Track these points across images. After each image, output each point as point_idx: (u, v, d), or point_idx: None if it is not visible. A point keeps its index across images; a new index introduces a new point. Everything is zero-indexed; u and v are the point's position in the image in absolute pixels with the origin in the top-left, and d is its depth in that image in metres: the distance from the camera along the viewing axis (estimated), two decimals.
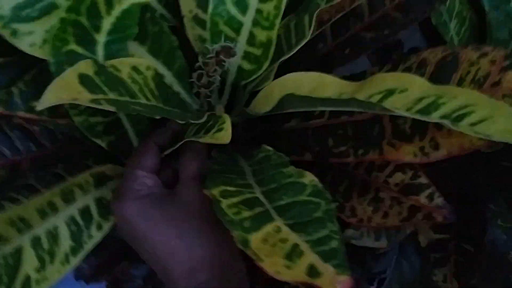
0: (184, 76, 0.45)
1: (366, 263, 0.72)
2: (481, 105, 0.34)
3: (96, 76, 0.31)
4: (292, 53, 0.42)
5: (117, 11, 0.35)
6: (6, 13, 0.34)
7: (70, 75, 0.30)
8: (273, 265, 0.31)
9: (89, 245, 0.40)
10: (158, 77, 0.37)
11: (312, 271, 0.30)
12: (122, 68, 0.33)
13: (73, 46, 0.34)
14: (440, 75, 0.40)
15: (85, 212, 0.40)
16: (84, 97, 0.29)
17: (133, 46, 0.40)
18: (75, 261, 0.39)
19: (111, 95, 0.31)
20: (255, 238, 0.33)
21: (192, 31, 0.45)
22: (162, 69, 0.43)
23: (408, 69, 0.42)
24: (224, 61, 0.39)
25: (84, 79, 0.30)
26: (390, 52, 0.68)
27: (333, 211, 0.34)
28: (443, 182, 0.61)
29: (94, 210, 0.41)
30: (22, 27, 0.34)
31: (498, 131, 0.32)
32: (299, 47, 0.42)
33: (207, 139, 0.36)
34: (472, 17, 0.59)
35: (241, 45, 0.43)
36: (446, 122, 0.34)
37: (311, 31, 0.40)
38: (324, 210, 0.34)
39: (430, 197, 0.40)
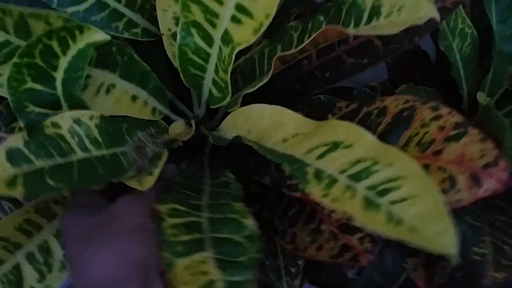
0: (160, 93, 0.45)
1: None
2: (411, 179, 0.32)
3: (25, 146, 0.32)
4: (254, 89, 0.41)
5: (73, 51, 0.35)
6: None
7: None
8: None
9: None
10: (103, 122, 0.36)
11: None
12: (63, 123, 0.34)
13: (30, 85, 0.35)
14: (393, 129, 0.38)
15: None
16: (4, 176, 0.30)
17: (105, 74, 0.40)
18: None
19: (38, 163, 0.32)
20: (180, 263, 0.33)
21: (170, 48, 0.44)
22: (136, 91, 0.43)
23: (369, 114, 0.40)
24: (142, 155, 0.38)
25: (12, 153, 0.31)
26: (412, 59, 0.63)
27: (257, 260, 0.35)
28: None
29: None
30: None
31: (413, 215, 0.30)
32: (260, 84, 0.40)
33: (132, 182, 0.36)
34: (474, 33, 0.54)
35: (209, 73, 0.42)
36: (370, 195, 0.32)
37: (270, 73, 0.39)
38: (249, 257, 0.34)
39: (361, 240, 0.39)
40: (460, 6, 0.51)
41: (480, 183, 0.32)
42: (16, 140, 0.32)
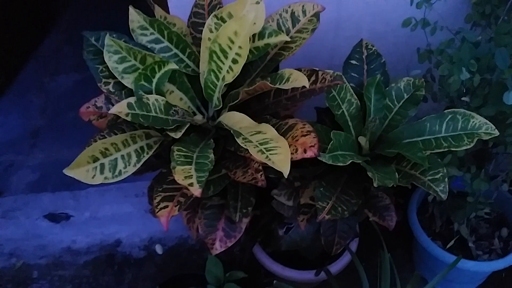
0: (193, 100, 0.92)
1: (284, 218, 1.15)
2: (282, 147, 0.77)
3: (135, 102, 0.79)
4: (234, 103, 0.87)
5: (161, 72, 0.83)
6: (120, 69, 0.83)
7: (123, 102, 0.79)
8: (180, 175, 0.77)
9: (144, 159, 0.87)
10: (167, 104, 0.84)
11: (191, 185, 0.76)
12: (150, 98, 0.81)
13: (143, 82, 0.83)
14: (287, 130, 0.84)
15: (142, 148, 0.88)
16: (124, 111, 0.78)
17: (169, 85, 0.88)
18: (138, 165, 0.86)
19: (137, 111, 0.79)
20: (179, 167, 0.79)
21: (202, 79, 0.92)
22: (182, 96, 0.90)
23: (281, 124, 0.86)
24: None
25: (129, 104, 0.79)
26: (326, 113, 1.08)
27: (211, 168, 0.80)
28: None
29: (145, 148, 0.88)
30: (125, 76, 0.84)
31: (277, 158, 0.75)
32: (235, 102, 0.87)
33: (171, 133, 0.82)
34: (358, 103, 0.99)
35: (216, 93, 0.89)
36: (264, 150, 0.77)
37: (239, 98, 0.85)
38: (209, 168, 0.80)
39: (261, 176, 0.84)
40: (348, 86, 0.97)
41: (306, 152, 0.77)
42: (131, 100, 0.80)
